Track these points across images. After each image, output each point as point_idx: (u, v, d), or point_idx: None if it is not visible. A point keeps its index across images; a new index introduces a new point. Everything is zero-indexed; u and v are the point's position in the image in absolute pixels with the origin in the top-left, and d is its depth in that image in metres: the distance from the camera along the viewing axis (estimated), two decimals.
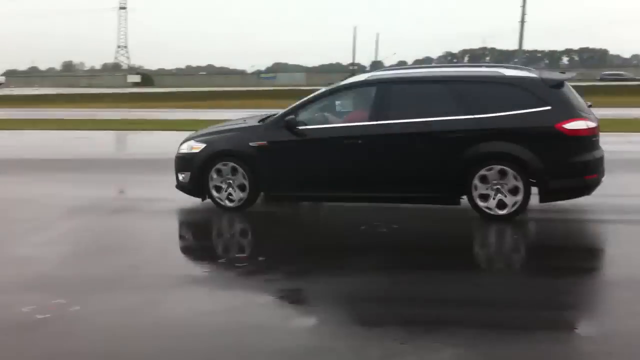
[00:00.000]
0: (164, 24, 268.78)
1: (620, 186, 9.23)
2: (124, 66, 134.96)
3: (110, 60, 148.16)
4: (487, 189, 7.43)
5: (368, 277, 5.88)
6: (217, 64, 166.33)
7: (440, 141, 7.68)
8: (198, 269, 6.61)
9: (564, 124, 7.27)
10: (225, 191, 8.25)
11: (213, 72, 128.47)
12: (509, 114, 7.46)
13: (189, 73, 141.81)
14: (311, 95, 8.49)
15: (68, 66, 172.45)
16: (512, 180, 7.34)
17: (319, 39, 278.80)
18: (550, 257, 6.48)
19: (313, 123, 8.18)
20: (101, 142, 18.30)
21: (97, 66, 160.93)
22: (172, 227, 8.26)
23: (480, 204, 7.49)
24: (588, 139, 7.45)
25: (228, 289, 5.68)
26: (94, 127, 21.89)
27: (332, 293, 5.47)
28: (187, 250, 7.54)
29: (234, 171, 8.16)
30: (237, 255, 7.02)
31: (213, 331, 4.59)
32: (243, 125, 9.03)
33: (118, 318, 4.89)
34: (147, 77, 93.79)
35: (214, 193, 8.31)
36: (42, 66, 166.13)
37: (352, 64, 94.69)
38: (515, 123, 7.44)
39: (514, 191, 7.36)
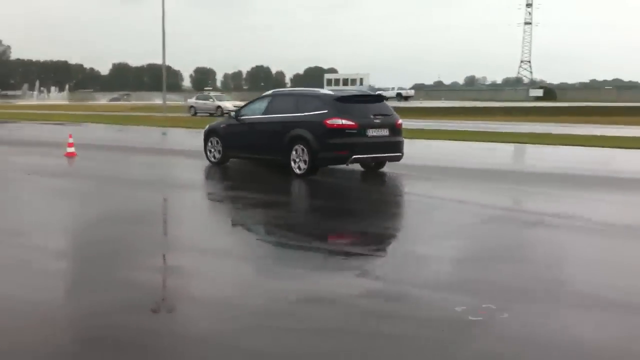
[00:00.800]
0: (568, 37, 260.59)
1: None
2: (526, 80, 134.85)
3: (512, 74, 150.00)
4: (296, 157, 12.48)
5: None
6: (626, 77, 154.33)
7: (280, 128, 12.93)
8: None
9: (328, 120, 12.12)
10: (212, 153, 14.85)
11: (621, 86, 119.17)
12: (306, 114, 12.66)
13: (593, 87, 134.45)
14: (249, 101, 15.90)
15: (471, 80, 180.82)
16: (305, 154, 12.31)
17: None
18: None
19: (246, 115, 14.30)
20: (504, 154, 18.84)
21: (499, 80, 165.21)
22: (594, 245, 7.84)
23: (293, 166, 12.61)
24: (342, 130, 12.06)
25: None
26: (498, 139, 22.38)
27: None
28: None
29: (216, 142, 14.67)
30: None
31: None
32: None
33: (548, 332, 4.77)
34: (550, 91, 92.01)
35: (208, 154, 14.95)
36: (447, 80, 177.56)
37: None
38: (307, 119, 12.53)
39: (306, 160, 12.33)
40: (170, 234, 8.86)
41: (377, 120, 12.64)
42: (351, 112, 12.40)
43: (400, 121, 13.19)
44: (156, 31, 47.00)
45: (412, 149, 14.96)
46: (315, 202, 11.51)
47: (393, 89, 79.27)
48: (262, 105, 14.16)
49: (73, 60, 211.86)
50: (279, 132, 12.83)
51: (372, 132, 12.52)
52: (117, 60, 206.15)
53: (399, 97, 75.90)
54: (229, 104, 42.79)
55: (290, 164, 12.57)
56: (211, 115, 41.83)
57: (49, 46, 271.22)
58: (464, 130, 26.28)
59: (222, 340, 4.67)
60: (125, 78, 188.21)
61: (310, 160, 12.26)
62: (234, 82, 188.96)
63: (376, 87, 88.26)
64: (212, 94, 50.01)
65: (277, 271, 6.60)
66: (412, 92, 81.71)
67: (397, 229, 9.28)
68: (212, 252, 7.33)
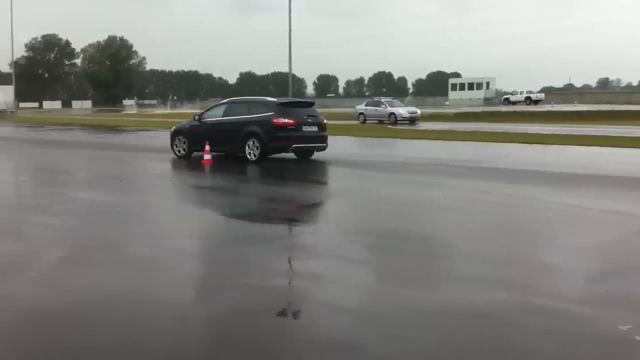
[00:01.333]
0: None
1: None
2: None
3: None
4: (249, 148, 16.72)
5: None
6: None
7: (238, 126, 16.95)
8: None
9: (274, 119, 16.44)
10: (178, 148, 18.42)
11: None
12: (259, 115, 16.92)
13: None
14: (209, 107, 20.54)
15: (604, 82, 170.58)
16: (257, 145, 16.54)
17: None
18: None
19: (206, 118, 18.24)
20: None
21: (634, 82, 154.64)
22: None
23: (248, 155, 16.76)
24: (285, 127, 16.39)
25: None
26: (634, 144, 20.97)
27: None
28: None
29: (182, 140, 18.38)
30: None
31: None
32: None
33: None
34: None
35: (175, 149, 18.53)
36: (578, 82, 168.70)
37: None
38: (260, 119, 16.72)
39: (257, 150, 16.55)
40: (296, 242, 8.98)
41: (310, 120, 17.18)
42: (290, 114, 16.91)
43: (324, 121, 17.81)
44: (281, 41, 48.47)
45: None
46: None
47: (522, 92, 76.50)
48: (219, 110, 18.11)
49: (203, 70, 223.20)
50: (236, 130, 16.96)
51: (306, 128, 17.02)
52: (244, 70, 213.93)
53: (528, 100, 73.04)
54: (402, 111, 40.82)
55: (245, 153, 16.89)
56: (381, 122, 40.00)
57: (182, 57, 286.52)
58: (597, 136, 24.70)
59: (351, 347, 4.58)
60: (252, 86, 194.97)
61: (261, 150, 16.62)
62: (355, 89, 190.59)
63: (503, 91, 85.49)
64: (383, 99, 45.03)
65: (405, 281, 6.41)
66: (541, 96, 78.38)
67: (543, 241, 8.74)
68: (346, 259, 7.27)
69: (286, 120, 16.52)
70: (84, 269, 6.94)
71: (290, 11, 44.33)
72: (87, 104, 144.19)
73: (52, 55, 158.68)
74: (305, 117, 17.10)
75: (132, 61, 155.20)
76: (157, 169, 16.73)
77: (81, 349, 4.63)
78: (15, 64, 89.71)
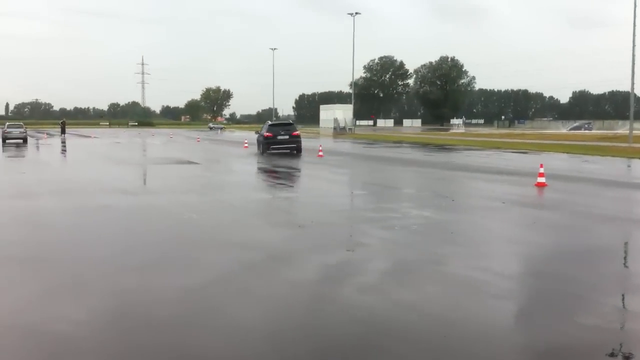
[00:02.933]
0: None
1: None
2: None
3: None
4: (260, 148, 33.67)
5: None
6: None
7: (259, 137, 35.02)
8: None
9: (265, 133, 32.72)
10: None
11: None
12: (262, 131, 34.32)
13: None
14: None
15: None
16: (261, 146, 33.35)
17: None
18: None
19: (263, 132, 33.69)
20: None
21: None
22: None
23: (259, 151, 33.79)
24: (269, 137, 32.03)
25: None
26: None
27: None
28: None
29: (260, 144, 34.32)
30: None
31: None
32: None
33: None
34: None
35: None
36: None
37: None
38: (261, 133, 33.93)
39: (261, 148, 33.15)
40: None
41: (282, 132, 32.04)
42: (271, 130, 32.38)
43: (296, 132, 32.57)
44: (619, 57, 43.64)
45: None
46: None
47: None
48: (264, 128, 34.21)
49: (533, 89, 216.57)
50: (258, 139, 34.46)
51: (279, 137, 31.76)
52: (577, 88, 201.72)
53: None
54: None
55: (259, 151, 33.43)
56: None
57: (511, 76, 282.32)
58: None
59: None
60: (585, 106, 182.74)
61: (262, 149, 32.67)
62: None
63: None
64: None
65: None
66: None
67: None
68: None
69: (268, 134, 32.32)
70: (408, 284, 6.88)
71: (635, 25, 39.82)
72: (417, 122, 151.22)
73: (387, 76, 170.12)
74: (280, 131, 32.57)
75: (462, 81, 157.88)
76: (486, 189, 16.23)
77: None
78: (355, 84, 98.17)
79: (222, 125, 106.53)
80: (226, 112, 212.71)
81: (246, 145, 40.90)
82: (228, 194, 15.82)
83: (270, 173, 22.44)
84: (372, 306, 6.28)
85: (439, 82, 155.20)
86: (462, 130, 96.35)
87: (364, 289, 6.93)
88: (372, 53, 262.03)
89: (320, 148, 31.99)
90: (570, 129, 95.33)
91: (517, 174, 20.48)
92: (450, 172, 21.93)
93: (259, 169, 24.56)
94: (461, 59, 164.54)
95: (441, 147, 41.95)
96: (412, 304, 6.39)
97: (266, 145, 32.01)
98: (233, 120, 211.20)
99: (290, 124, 34.82)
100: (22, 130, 46.62)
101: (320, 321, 5.89)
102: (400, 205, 13.57)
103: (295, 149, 31.82)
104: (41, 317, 5.97)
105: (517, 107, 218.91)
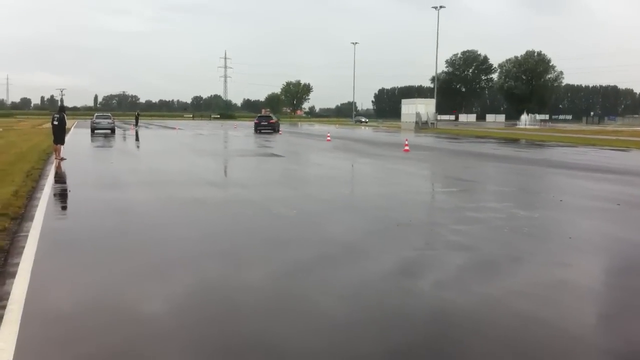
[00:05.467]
0: None
1: None
2: None
3: None
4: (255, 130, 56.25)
5: None
6: None
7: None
8: None
9: (255, 120, 59.89)
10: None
11: None
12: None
13: None
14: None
15: None
16: (253, 129, 58.26)
17: None
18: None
19: (255, 120, 61.15)
20: None
21: None
22: None
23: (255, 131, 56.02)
24: (257, 123, 57.05)
25: None
26: None
27: None
28: None
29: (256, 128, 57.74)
30: None
31: None
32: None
33: None
34: None
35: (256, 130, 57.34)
36: None
37: None
38: (255, 121, 60.29)
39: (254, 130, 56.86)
40: None
41: (264, 121, 56.79)
42: (259, 119, 58.52)
43: (273, 120, 57.41)
44: None
45: None
46: None
47: None
48: (256, 118, 60.05)
49: (623, 85, 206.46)
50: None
51: (262, 123, 56.10)
52: None
53: None
54: None
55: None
56: None
57: (599, 71, 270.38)
58: None
59: None
60: None
61: (254, 130, 55.95)
62: None
63: None
64: None
65: None
66: None
67: None
68: None
69: (256, 122, 56.86)
70: (543, 298, 5.96)
71: None
72: (501, 117, 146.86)
73: (470, 71, 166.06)
74: (263, 120, 56.99)
75: (549, 76, 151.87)
76: (594, 189, 14.94)
77: None
78: (436, 78, 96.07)
79: (365, 119, 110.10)
80: (306, 105, 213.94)
81: (329, 138, 40.40)
82: (319, 188, 15.23)
83: (356, 167, 21.77)
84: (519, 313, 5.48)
85: (524, 77, 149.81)
86: (535, 126, 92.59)
87: (487, 300, 6.13)
88: (454, 47, 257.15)
89: (406, 142, 31.05)
90: None
91: (625, 173, 18.95)
92: (549, 169, 20.58)
93: (345, 162, 23.93)
94: (548, 53, 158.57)
95: (531, 143, 40.08)
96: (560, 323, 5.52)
97: (257, 127, 56.04)
98: (312, 114, 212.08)
99: (269, 117, 60.99)
100: (110, 121, 47.92)
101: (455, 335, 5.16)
102: (503, 205, 12.58)
103: (273, 130, 55.63)
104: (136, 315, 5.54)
105: (605, 104, 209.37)
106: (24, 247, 8.26)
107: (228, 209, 11.86)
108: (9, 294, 6.24)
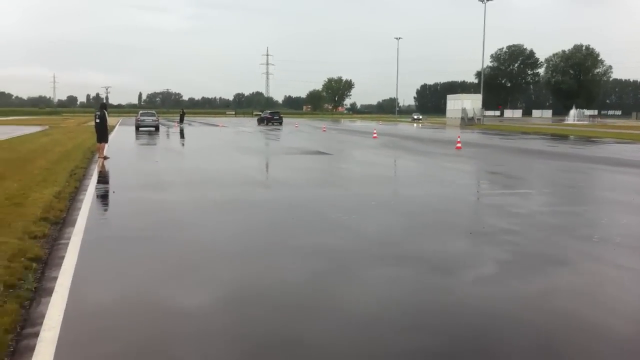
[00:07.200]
0: None
1: None
2: None
3: None
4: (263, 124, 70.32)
5: None
6: None
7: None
8: None
9: (263, 115, 77.09)
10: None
11: None
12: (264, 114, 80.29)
13: None
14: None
15: None
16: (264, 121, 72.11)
17: None
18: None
19: (266, 114, 74.51)
20: None
21: None
22: None
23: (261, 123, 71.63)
24: (266, 117, 71.76)
25: None
26: None
27: None
28: None
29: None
30: None
31: None
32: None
33: None
34: None
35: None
36: None
37: None
38: (266, 115, 74.70)
39: (265, 124, 69.63)
40: None
41: (275, 116, 70.87)
42: (269, 114, 72.02)
43: (277, 117, 70.56)
44: None
45: None
46: None
47: None
48: (264, 113, 76.55)
49: None
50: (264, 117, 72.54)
51: (272, 118, 70.04)
52: None
53: None
54: None
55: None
56: None
57: None
58: None
59: None
60: None
61: (265, 124, 68.96)
62: None
63: None
64: None
65: None
66: None
67: None
68: None
69: (266, 116, 71.39)
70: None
71: None
72: (547, 113, 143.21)
73: (516, 65, 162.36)
74: (272, 115, 70.84)
75: (597, 70, 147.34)
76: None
77: None
78: (482, 73, 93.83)
79: (420, 116, 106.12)
80: (347, 102, 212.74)
81: (375, 135, 39.25)
82: (373, 188, 14.20)
83: (411, 166, 20.65)
84: None
85: (572, 72, 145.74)
86: (584, 122, 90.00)
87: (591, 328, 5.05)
88: (499, 42, 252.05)
89: (459, 139, 29.76)
90: None
91: None
92: (616, 168, 19.15)
93: (396, 160, 22.83)
94: (596, 47, 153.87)
95: (587, 140, 38.25)
96: None
97: (264, 120, 69.78)
98: (353, 111, 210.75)
99: (277, 112, 74.88)
100: (154, 118, 47.74)
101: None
102: (583, 209, 11.39)
103: (279, 123, 68.29)
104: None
105: None
106: (63, 258, 7.50)
107: (285, 212, 10.93)
108: (43, 316, 5.43)
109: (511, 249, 8.05)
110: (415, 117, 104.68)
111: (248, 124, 72.36)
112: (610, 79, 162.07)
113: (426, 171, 18.79)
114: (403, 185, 15.17)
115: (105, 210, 11.72)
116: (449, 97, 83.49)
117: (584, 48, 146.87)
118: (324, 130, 50.86)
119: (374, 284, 6.47)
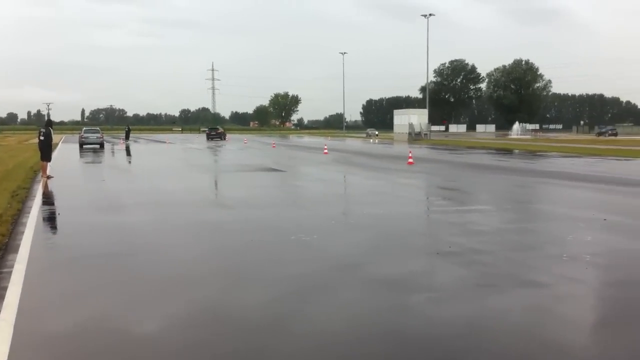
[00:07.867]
0: None
1: None
2: None
3: None
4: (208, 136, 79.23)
5: None
6: None
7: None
8: None
9: (207, 132, 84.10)
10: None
11: None
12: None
13: None
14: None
15: None
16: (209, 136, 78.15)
17: None
18: None
19: (207, 131, 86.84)
20: None
21: None
22: None
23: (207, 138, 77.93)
24: (210, 134, 78.13)
25: None
26: None
27: None
28: None
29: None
30: None
31: None
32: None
33: None
34: None
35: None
36: None
37: None
38: (207, 132, 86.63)
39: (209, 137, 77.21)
40: None
41: (213, 132, 76.71)
42: (210, 131, 77.81)
43: (220, 131, 78.10)
44: None
45: None
46: None
47: None
48: (207, 129, 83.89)
49: (609, 93, 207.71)
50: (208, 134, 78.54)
51: (212, 133, 75.68)
52: None
53: None
54: None
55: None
56: None
57: (586, 80, 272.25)
58: None
59: None
60: None
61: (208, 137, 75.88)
62: None
63: None
64: None
65: None
66: None
67: None
68: None
69: (209, 132, 77.87)
70: None
71: None
72: (491, 127, 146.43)
73: (459, 80, 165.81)
74: (210, 130, 78.37)
75: (537, 85, 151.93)
76: (635, 205, 13.67)
77: None
78: (427, 88, 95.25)
79: (376, 132, 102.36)
80: (294, 117, 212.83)
81: (326, 151, 39.06)
82: (334, 208, 13.85)
83: (366, 183, 20.41)
84: None
85: (513, 86, 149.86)
86: (526, 135, 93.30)
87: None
88: (442, 57, 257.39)
89: (410, 155, 29.81)
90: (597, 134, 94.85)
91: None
92: (571, 183, 19.33)
93: (350, 177, 22.60)
94: (537, 62, 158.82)
95: (534, 154, 38.99)
96: None
97: (208, 136, 74.51)
98: (301, 126, 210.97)
99: (216, 128, 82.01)
100: (98, 135, 46.42)
101: None
102: (549, 226, 11.30)
103: (221, 137, 73.22)
104: None
105: (592, 112, 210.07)
106: (6, 289, 6.85)
107: (245, 235, 10.43)
108: None
109: (485, 270, 7.80)
110: (370, 132, 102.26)
111: (196, 140, 71.29)
112: (550, 93, 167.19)
113: (382, 188, 18.56)
114: (361, 204, 14.84)
115: (52, 234, 11.00)
116: (395, 112, 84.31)
117: (523, 63, 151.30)
118: (274, 147, 50.44)
119: (338, 310, 6.08)
